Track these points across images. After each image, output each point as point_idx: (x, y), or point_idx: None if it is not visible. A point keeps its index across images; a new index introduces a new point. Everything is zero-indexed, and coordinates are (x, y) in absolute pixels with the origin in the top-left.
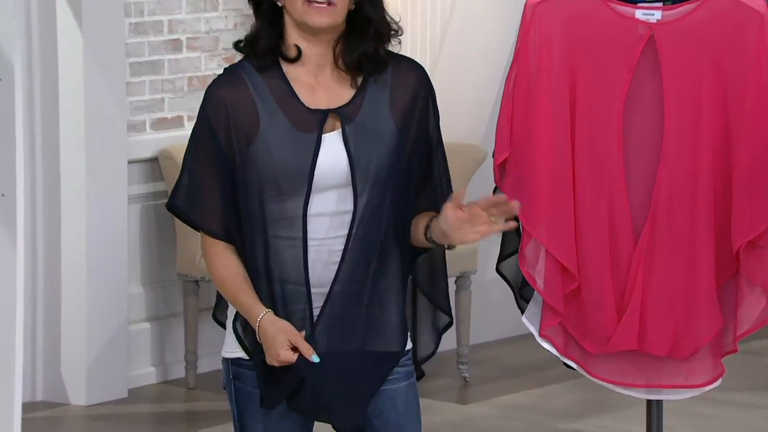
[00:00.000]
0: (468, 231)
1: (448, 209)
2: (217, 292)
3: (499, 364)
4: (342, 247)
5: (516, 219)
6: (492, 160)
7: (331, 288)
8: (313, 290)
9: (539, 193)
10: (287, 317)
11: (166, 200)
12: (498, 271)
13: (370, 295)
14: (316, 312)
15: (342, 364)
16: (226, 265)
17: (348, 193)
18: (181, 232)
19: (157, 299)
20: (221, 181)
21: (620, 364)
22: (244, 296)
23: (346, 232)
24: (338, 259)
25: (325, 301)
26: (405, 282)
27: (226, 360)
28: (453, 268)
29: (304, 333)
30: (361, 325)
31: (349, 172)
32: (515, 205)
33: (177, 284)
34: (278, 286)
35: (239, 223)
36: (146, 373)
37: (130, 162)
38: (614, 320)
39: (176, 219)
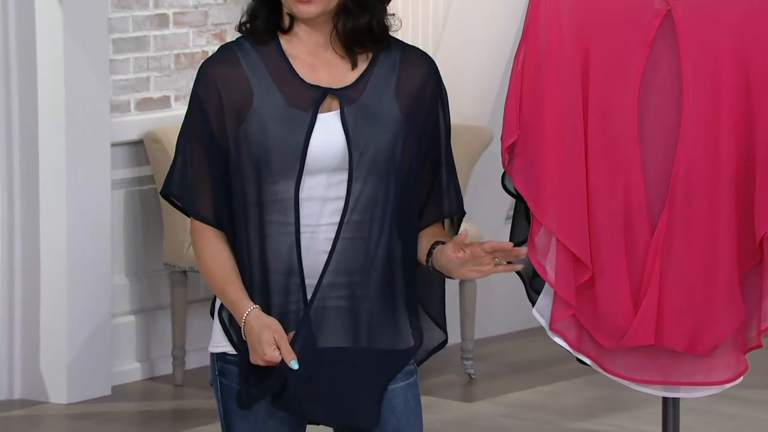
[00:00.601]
0: (469, 269)
1: (449, 249)
2: None
3: (506, 359)
4: (329, 236)
5: (520, 211)
6: (499, 143)
7: (320, 279)
8: (312, 282)
9: (549, 178)
10: (281, 310)
11: (152, 185)
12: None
13: (366, 289)
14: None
15: (336, 361)
16: (215, 254)
17: (341, 178)
18: (168, 219)
19: (143, 291)
20: (212, 164)
21: (636, 360)
22: (231, 289)
23: (336, 221)
24: (329, 247)
25: (314, 293)
26: (412, 276)
27: (212, 355)
28: None
29: (292, 334)
30: (359, 320)
31: (346, 156)
32: (521, 251)
33: (164, 275)
34: (271, 276)
35: (231, 209)
36: (131, 370)
37: (113, 145)
38: (630, 313)
39: (163, 206)
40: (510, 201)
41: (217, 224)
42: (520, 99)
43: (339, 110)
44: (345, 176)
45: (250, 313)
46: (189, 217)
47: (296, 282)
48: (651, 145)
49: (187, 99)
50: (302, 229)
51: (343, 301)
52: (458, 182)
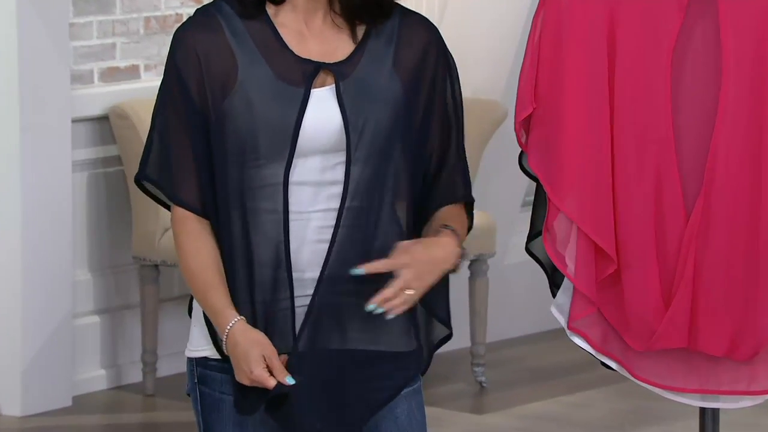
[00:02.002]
0: None
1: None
2: None
3: (522, 365)
4: (332, 223)
5: (543, 195)
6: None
7: (322, 272)
8: (302, 275)
9: (569, 158)
10: (268, 308)
11: (118, 167)
12: (528, 251)
13: (366, 283)
14: (300, 303)
15: (336, 366)
16: (198, 251)
17: (336, 160)
18: (137, 206)
19: (109, 287)
20: (196, 143)
21: (669, 364)
22: (214, 296)
23: (336, 205)
24: (328, 237)
25: (316, 289)
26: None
27: (190, 360)
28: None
29: (285, 357)
30: (359, 319)
31: (343, 135)
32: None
33: (132, 269)
34: (257, 270)
35: (215, 194)
36: (95, 377)
37: (74, 121)
38: (660, 311)
39: (132, 191)
40: (527, 185)
41: (202, 212)
42: (536, 68)
43: (334, 86)
44: (341, 158)
45: (234, 325)
46: (169, 204)
47: (284, 276)
48: (685, 120)
49: (159, 69)
50: (292, 216)
51: (342, 297)
52: (467, 165)
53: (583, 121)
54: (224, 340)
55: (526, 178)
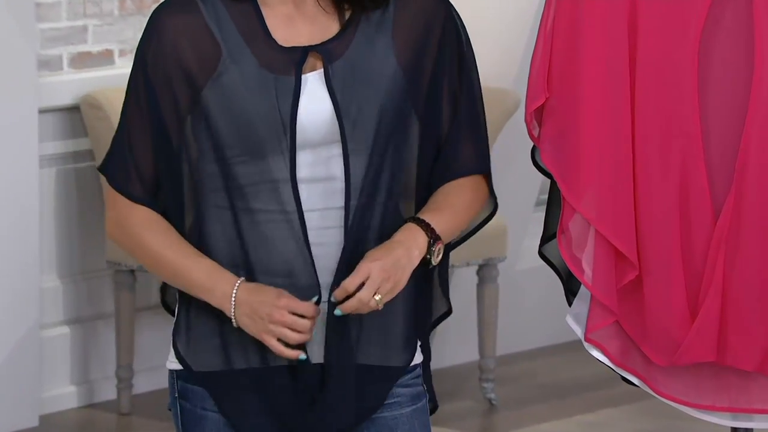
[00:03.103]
0: None
1: None
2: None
3: (536, 381)
4: (332, 223)
5: (557, 193)
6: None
7: (336, 276)
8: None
9: (586, 154)
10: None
11: (90, 162)
12: (541, 254)
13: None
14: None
15: (342, 376)
16: (161, 233)
17: (329, 153)
18: None
19: (80, 295)
20: (155, 138)
21: (696, 381)
22: (201, 264)
23: (336, 204)
24: (328, 240)
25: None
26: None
27: (171, 373)
28: (473, 254)
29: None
30: (362, 327)
31: (335, 125)
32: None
33: (106, 275)
34: (263, 279)
35: (177, 197)
36: (64, 395)
37: (41, 111)
38: (686, 322)
39: (105, 189)
40: (541, 182)
41: (153, 205)
42: (550, 53)
43: (322, 70)
44: (334, 151)
45: (240, 287)
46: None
47: (311, 283)
48: (714, 111)
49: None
50: (281, 217)
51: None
52: (483, 134)
53: (602, 112)
54: (231, 308)
55: (540, 175)
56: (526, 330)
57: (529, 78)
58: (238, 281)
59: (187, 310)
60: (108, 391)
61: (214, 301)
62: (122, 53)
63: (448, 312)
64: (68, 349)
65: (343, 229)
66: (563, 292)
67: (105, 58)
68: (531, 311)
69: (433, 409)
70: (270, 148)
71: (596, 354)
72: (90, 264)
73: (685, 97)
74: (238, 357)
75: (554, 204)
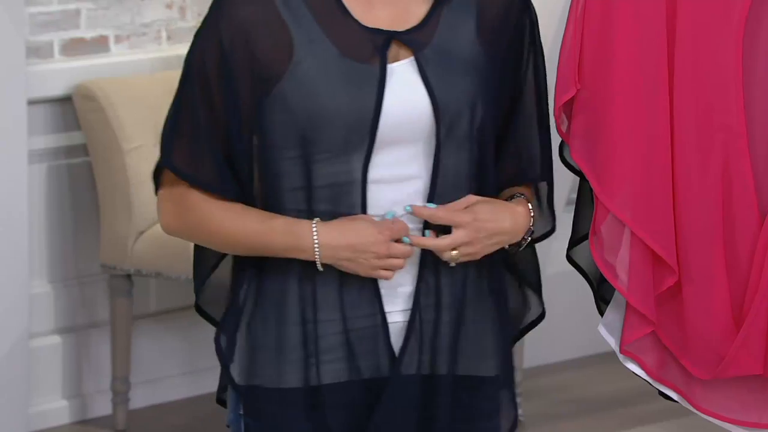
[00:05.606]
0: None
1: None
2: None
3: (566, 396)
4: (410, 227)
5: (589, 192)
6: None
7: (418, 283)
8: (383, 291)
9: (619, 151)
10: (346, 333)
11: (84, 158)
12: (569, 259)
13: (455, 295)
14: (394, 319)
15: (420, 393)
16: (222, 208)
17: (412, 152)
18: (107, 205)
19: (72, 302)
20: (229, 137)
21: (741, 396)
22: (274, 219)
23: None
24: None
25: (416, 301)
26: (500, 275)
27: (237, 388)
28: None
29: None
30: (450, 338)
31: (430, 120)
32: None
33: (101, 280)
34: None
35: (247, 189)
36: (55, 409)
37: (30, 102)
38: (729, 332)
39: (100, 187)
40: (571, 180)
41: (224, 192)
42: (581, 43)
43: (413, 59)
44: (417, 148)
45: (318, 228)
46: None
47: (370, 288)
48: (759, 102)
49: (132, 40)
50: None
51: (439, 312)
52: (549, 138)
53: (637, 105)
54: (316, 252)
55: (569, 173)
56: (554, 340)
57: (557, 69)
58: (314, 226)
59: (248, 324)
60: (102, 406)
61: (302, 256)
62: (118, 40)
63: (542, 316)
64: (60, 360)
65: (421, 234)
66: (594, 300)
67: (99, 45)
68: (560, 320)
69: (511, 428)
70: (346, 146)
71: (632, 367)
72: (83, 268)
73: (728, 88)
74: (315, 373)
75: (584, 204)
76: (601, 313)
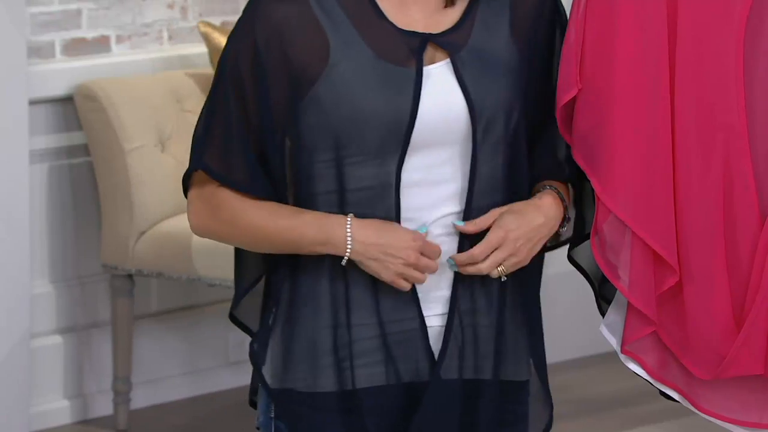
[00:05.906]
0: None
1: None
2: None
3: (567, 396)
4: (443, 231)
5: (590, 191)
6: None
7: (455, 288)
8: (425, 294)
9: (620, 150)
10: (384, 337)
11: (85, 158)
12: (570, 259)
13: (491, 300)
14: (431, 323)
15: (460, 398)
16: (253, 206)
17: (446, 155)
18: (108, 205)
19: (74, 302)
20: (262, 139)
21: (742, 396)
22: (305, 214)
23: (452, 210)
24: (447, 248)
25: (453, 306)
26: (536, 278)
27: (270, 391)
28: None
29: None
30: (494, 343)
31: (466, 123)
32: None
33: (102, 280)
34: (358, 292)
35: (280, 189)
36: (56, 409)
37: (32, 102)
38: (730, 332)
39: (101, 187)
40: None
41: (256, 192)
42: (582, 43)
43: (448, 61)
44: (451, 151)
45: (351, 224)
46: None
47: (408, 294)
48: (761, 106)
49: (133, 40)
50: (402, 224)
51: (475, 317)
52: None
53: (638, 105)
54: (347, 247)
55: None
56: (555, 340)
57: (559, 69)
58: (348, 219)
59: (282, 326)
60: (103, 406)
61: (332, 250)
62: (119, 39)
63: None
64: (61, 360)
65: (457, 238)
66: (595, 299)
67: (101, 45)
68: (561, 320)
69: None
70: (380, 149)
71: (633, 367)
72: (85, 268)
73: (729, 86)
74: (350, 377)
75: (586, 203)
76: (603, 314)
